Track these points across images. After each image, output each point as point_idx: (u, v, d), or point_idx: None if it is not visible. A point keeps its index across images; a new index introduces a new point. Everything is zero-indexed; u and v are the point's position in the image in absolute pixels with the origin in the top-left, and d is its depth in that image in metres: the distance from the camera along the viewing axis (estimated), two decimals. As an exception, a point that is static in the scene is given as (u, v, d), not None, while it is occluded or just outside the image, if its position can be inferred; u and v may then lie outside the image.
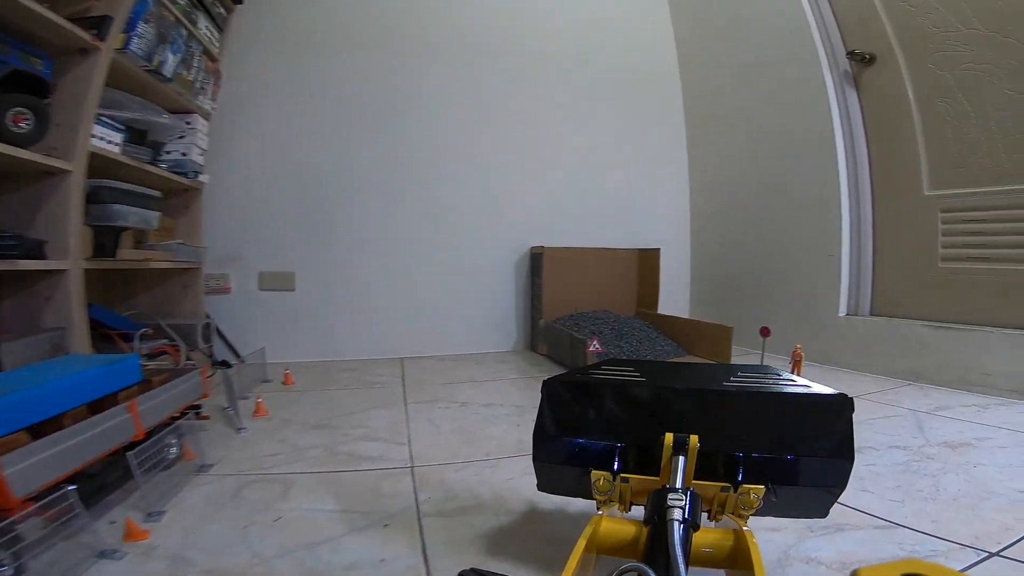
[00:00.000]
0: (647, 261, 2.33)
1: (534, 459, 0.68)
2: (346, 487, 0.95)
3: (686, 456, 0.58)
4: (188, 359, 1.51)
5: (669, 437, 0.59)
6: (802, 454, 0.60)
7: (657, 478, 0.59)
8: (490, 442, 1.18)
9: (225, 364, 1.75)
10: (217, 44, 1.81)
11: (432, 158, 2.19)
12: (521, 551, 0.73)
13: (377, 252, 2.15)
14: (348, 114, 2.10)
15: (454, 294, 2.23)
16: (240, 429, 1.25)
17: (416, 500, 0.89)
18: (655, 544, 0.49)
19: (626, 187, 2.49)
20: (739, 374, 0.67)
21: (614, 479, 0.60)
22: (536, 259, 2.21)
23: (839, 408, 0.60)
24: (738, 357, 1.90)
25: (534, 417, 0.69)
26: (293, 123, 2.04)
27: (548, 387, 0.68)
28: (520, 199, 2.31)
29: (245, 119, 1.99)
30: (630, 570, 0.42)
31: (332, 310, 2.09)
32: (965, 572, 0.66)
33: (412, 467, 1.04)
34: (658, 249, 2.25)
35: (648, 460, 0.61)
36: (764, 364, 0.72)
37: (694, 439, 0.58)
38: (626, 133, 2.50)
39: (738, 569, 0.53)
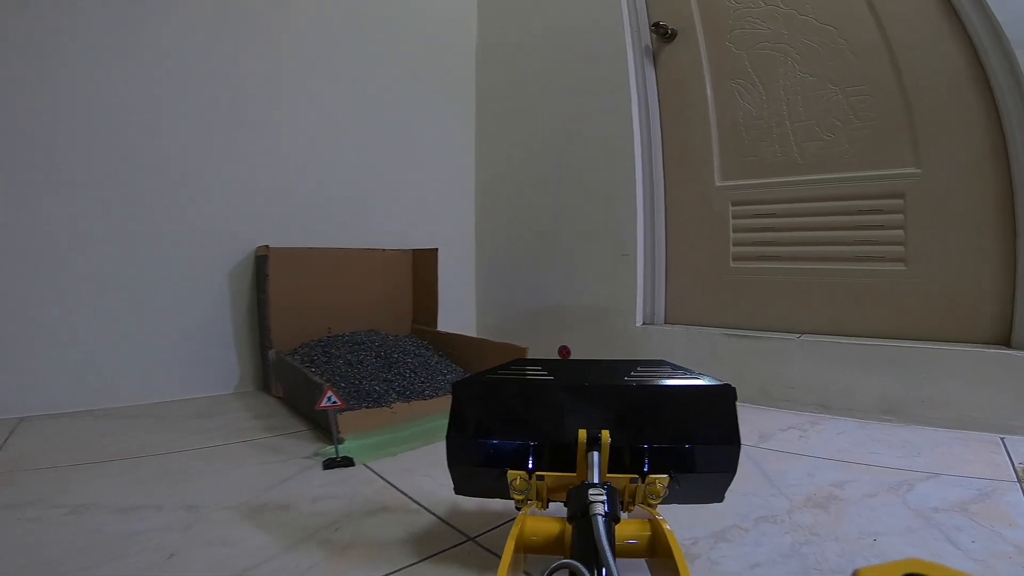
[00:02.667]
0: (423, 265, 1.84)
1: (449, 463, 0.66)
2: None
3: (600, 451, 0.58)
4: None
5: (583, 433, 0.60)
6: (697, 442, 0.62)
7: (572, 474, 0.60)
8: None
9: None
10: None
11: (88, 116, 1.38)
12: None
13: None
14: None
15: (131, 315, 1.44)
16: None
17: None
18: (582, 540, 0.48)
19: (397, 173, 1.96)
20: (638, 369, 0.68)
21: (530, 477, 0.60)
22: (261, 264, 1.55)
23: (724, 397, 0.62)
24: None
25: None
26: None
27: (458, 388, 0.67)
28: (243, 182, 1.61)
29: None
30: (562, 567, 0.42)
31: None
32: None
33: None
34: (435, 249, 1.77)
35: (560, 457, 0.63)
36: (660, 359, 0.70)
37: (606, 434, 0.59)
38: (403, 108, 1.97)
39: (658, 557, 0.53)
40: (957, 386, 1.20)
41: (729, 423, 0.62)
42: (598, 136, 1.79)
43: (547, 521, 0.57)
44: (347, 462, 1.00)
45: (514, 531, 0.53)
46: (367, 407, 1.27)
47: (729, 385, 0.62)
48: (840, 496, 0.85)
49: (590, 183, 1.83)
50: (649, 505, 0.59)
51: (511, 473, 0.60)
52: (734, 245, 1.60)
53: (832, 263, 1.42)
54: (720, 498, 0.67)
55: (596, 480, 0.56)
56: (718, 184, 1.61)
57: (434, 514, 0.82)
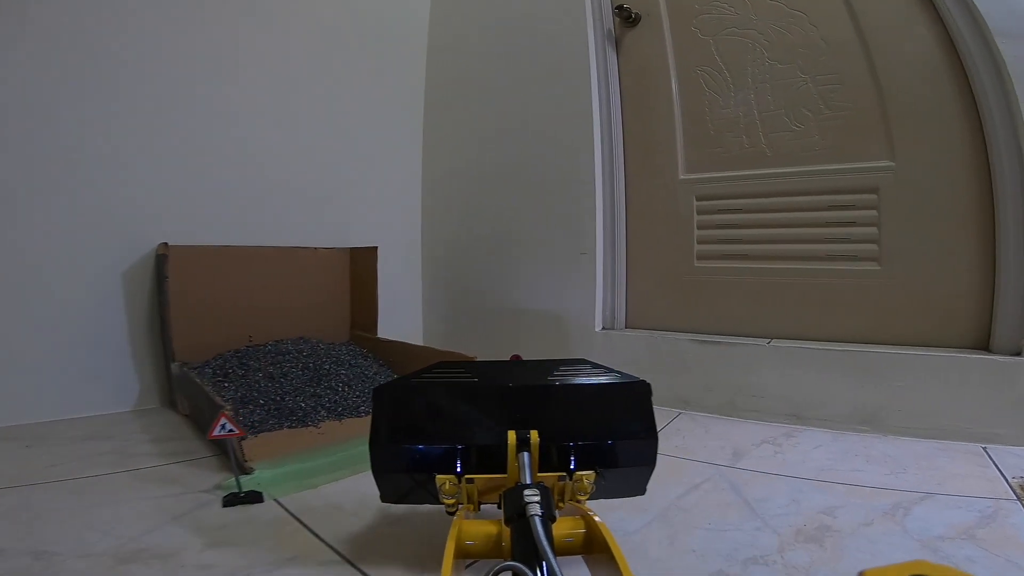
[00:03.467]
0: (362, 265, 1.66)
1: (373, 471, 0.64)
2: None
3: (530, 452, 0.58)
4: None
5: (512, 435, 0.59)
6: (618, 437, 0.63)
7: (503, 476, 0.60)
8: None
9: None
10: None
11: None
12: None
13: None
14: None
15: (2, 320, 1.21)
16: None
17: None
18: (522, 541, 0.48)
19: (334, 165, 1.78)
20: (561, 369, 0.69)
21: (459, 481, 0.60)
22: (160, 265, 1.32)
23: (640, 393, 0.64)
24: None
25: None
26: None
27: (379, 393, 0.65)
28: (149, 171, 1.38)
29: None
30: (505, 569, 0.42)
31: None
32: None
33: None
34: (374, 248, 1.60)
35: (488, 459, 0.62)
36: (580, 358, 0.71)
37: (535, 434, 0.59)
38: (341, 93, 1.78)
39: (595, 553, 0.54)
40: (935, 394, 1.12)
41: (646, 417, 0.64)
42: (555, 127, 1.66)
43: (483, 524, 0.57)
44: (253, 497, 0.82)
45: (452, 534, 0.53)
46: (290, 427, 1.09)
47: (644, 381, 0.64)
48: (833, 526, 0.74)
49: (546, 177, 1.70)
50: (578, 501, 0.60)
51: (440, 477, 0.59)
52: (698, 243, 1.50)
53: (802, 262, 1.34)
54: (642, 491, 0.68)
55: (528, 481, 0.55)
56: (682, 177, 1.51)
57: (357, 567, 0.65)
